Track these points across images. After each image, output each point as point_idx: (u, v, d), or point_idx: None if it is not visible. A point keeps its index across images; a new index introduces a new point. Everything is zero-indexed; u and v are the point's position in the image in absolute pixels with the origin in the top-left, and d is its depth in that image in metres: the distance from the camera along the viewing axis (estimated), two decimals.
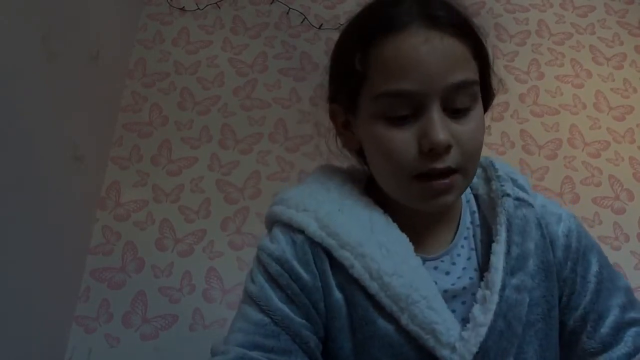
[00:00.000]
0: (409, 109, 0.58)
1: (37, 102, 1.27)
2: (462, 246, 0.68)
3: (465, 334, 0.61)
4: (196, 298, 1.51)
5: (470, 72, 0.61)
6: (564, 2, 2.15)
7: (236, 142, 1.76)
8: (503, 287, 0.62)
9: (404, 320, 0.60)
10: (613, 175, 1.78)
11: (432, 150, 0.58)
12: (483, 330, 0.60)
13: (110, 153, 1.71)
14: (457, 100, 0.59)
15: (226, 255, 1.58)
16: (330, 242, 0.63)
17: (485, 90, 0.68)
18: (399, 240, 0.64)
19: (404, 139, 0.59)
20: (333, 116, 0.69)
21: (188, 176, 1.69)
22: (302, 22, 2.00)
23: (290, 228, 0.66)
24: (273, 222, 0.70)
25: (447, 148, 0.58)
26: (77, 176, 1.50)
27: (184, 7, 2.00)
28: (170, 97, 1.83)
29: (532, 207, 0.70)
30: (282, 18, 2.01)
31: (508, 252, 0.64)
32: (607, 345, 0.66)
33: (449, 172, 0.59)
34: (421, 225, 0.68)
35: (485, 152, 1.89)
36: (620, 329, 0.66)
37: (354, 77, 0.61)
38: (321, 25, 2.00)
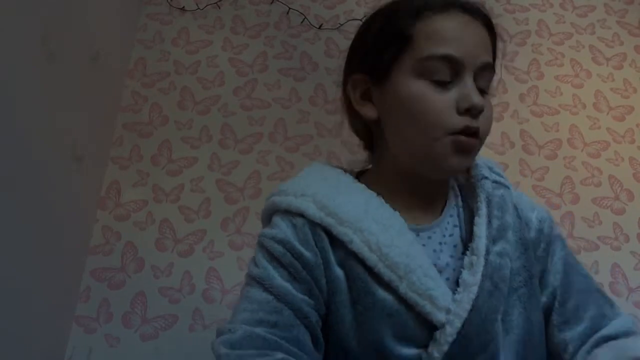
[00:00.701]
0: (449, 74, 0.67)
1: (37, 102, 1.27)
2: (448, 223, 0.74)
3: (457, 296, 0.66)
4: (196, 298, 1.51)
5: (491, 59, 0.73)
6: (563, 2, 2.15)
7: (236, 142, 1.76)
8: (487, 252, 0.68)
9: (402, 288, 0.65)
10: (613, 175, 1.78)
11: (468, 111, 0.67)
12: (474, 290, 0.65)
13: (110, 153, 1.71)
14: (481, 80, 0.71)
15: (226, 256, 1.58)
16: (329, 221, 0.68)
17: None
18: (394, 216, 0.70)
19: (443, 100, 0.67)
20: (353, 88, 0.76)
21: (188, 176, 1.69)
22: (302, 22, 2.00)
23: (290, 213, 0.71)
24: (271, 213, 0.75)
25: (479, 112, 0.68)
26: (77, 176, 1.50)
27: (183, 6, 2.00)
28: (170, 96, 1.83)
29: (509, 188, 0.78)
30: (282, 18, 2.01)
31: (489, 223, 0.71)
32: (569, 321, 0.73)
33: (477, 133, 0.69)
34: (413, 205, 0.74)
35: (485, 152, 1.89)
36: (579, 308, 0.73)
37: (396, 44, 0.69)
38: (321, 25, 2.00)
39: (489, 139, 1.79)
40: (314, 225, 0.69)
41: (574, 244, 1.66)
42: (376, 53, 0.72)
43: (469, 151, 0.69)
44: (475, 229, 0.71)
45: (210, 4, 2.00)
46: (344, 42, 1.98)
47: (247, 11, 2.02)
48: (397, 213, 0.71)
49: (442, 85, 0.67)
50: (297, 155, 1.75)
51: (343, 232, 0.67)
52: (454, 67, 0.68)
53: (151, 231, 1.60)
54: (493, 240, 0.70)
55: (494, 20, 0.76)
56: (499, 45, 0.77)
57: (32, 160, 1.26)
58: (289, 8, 2.01)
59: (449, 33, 0.68)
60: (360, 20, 1.97)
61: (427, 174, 0.72)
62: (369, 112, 0.74)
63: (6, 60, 1.12)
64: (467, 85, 0.68)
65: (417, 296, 0.65)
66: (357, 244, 0.66)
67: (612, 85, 1.96)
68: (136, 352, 1.43)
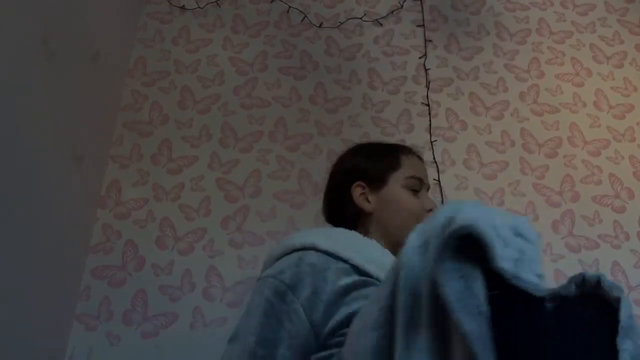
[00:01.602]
0: (419, 187, 1.13)
1: (37, 101, 1.27)
2: None
3: None
4: (196, 296, 1.51)
5: None
6: (564, 1, 2.15)
7: (236, 141, 1.76)
8: None
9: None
10: (613, 173, 1.78)
11: (429, 211, 1.08)
12: None
13: (110, 152, 1.71)
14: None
15: (226, 254, 1.58)
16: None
17: None
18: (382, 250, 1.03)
19: (417, 202, 1.11)
20: (355, 190, 1.13)
21: (188, 175, 1.70)
22: (302, 20, 2.00)
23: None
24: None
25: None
26: (77, 175, 1.50)
27: (184, 5, 2.00)
28: (170, 95, 1.83)
29: None
30: (282, 17, 2.01)
31: None
32: None
33: None
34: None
35: (485, 151, 1.89)
36: None
37: (390, 167, 1.13)
38: (321, 23, 2.00)
39: (489, 138, 1.80)
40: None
41: (574, 242, 1.66)
42: (377, 171, 1.13)
43: None
44: None
45: (211, 3, 2.00)
46: (344, 41, 1.98)
47: (247, 10, 2.02)
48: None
49: (415, 193, 1.11)
50: (297, 154, 1.75)
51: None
52: (420, 184, 1.12)
53: (151, 229, 1.60)
54: None
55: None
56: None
57: (32, 160, 1.26)
58: (289, 7, 2.01)
59: (418, 166, 1.16)
60: (361, 19, 1.98)
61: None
62: (368, 207, 1.11)
63: (6, 60, 1.13)
64: (425, 195, 1.14)
65: None
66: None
67: (613, 83, 1.96)
68: (137, 350, 1.44)
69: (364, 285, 0.86)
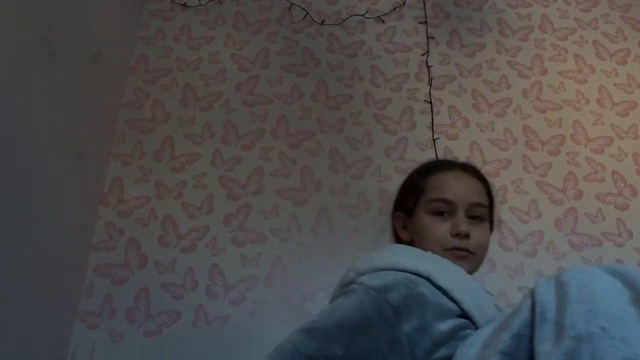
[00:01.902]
0: (446, 209, 0.98)
1: (39, 99, 1.27)
2: None
3: None
4: (199, 294, 1.51)
5: (482, 199, 1.01)
6: None
7: (238, 138, 1.76)
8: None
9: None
10: (616, 171, 1.78)
11: (457, 235, 0.95)
12: None
13: (112, 149, 1.71)
14: (474, 212, 0.98)
15: (229, 252, 1.58)
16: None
17: (490, 217, 1.04)
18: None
19: (441, 227, 0.98)
20: (396, 221, 1.07)
21: (191, 172, 1.70)
22: (304, 17, 1.99)
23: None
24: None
25: (465, 235, 0.95)
26: (79, 173, 1.50)
27: (185, 3, 1.99)
28: (172, 93, 1.83)
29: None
30: (284, 14, 2.01)
31: None
32: None
33: (466, 249, 0.95)
34: None
35: (488, 148, 1.89)
36: None
37: (415, 193, 1.03)
38: (323, 20, 1.99)
39: (492, 135, 1.80)
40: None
41: (577, 240, 1.66)
42: (406, 199, 1.06)
43: (463, 258, 0.94)
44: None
45: (212, 0, 2.00)
46: (346, 38, 1.98)
47: (248, 7, 2.02)
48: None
49: (442, 215, 0.98)
50: (300, 151, 1.75)
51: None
52: (450, 205, 0.98)
53: (154, 227, 1.60)
54: None
55: (484, 172, 1.08)
56: (493, 191, 1.07)
57: (34, 158, 1.26)
58: (291, 4, 2.01)
59: (446, 183, 1.01)
60: (363, 15, 1.97)
61: None
62: (406, 236, 1.05)
63: (8, 59, 1.12)
64: (460, 217, 0.97)
65: None
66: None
67: (616, 80, 1.96)
68: (139, 348, 1.44)
69: (464, 328, 0.80)
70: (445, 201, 0.98)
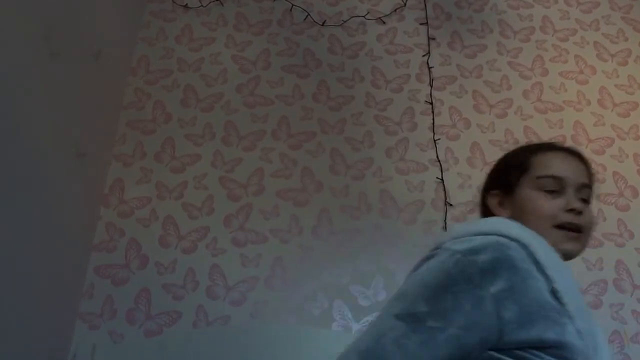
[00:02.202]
0: (557, 187, 0.98)
1: (40, 100, 1.27)
2: None
3: None
4: (200, 295, 1.51)
5: (588, 181, 1.02)
6: None
7: (239, 139, 1.76)
8: None
9: None
10: (617, 172, 1.78)
11: (572, 210, 0.94)
12: None
13: (113, 150, 1.72)
14: (582, 193, 0.99)
15: (229, 252, 1.58)
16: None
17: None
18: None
19: (553, 203, 0.96)
20: (492, 199, 1.05)
21: (191, 173, 1.70)
22: (305, 18, 2.00)
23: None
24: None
25: (579, 213, 0.95)
26: (81, 174, 1.50)
27: (187, 4, 2.00)
28: (173, 94, 1.83)
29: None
30: (285, 15, 2.01)
31: None
32: None
33: (579, 228, 0.94)
34: None
35: (488, 148, 1.88)
36: None
37: (518, 170, 1.02)
38: (324, 22, 1.99)
39: (493, 136, 1.80)
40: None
41: None
42: (507, 176, 1.04)
43: (573, 239, 0.93)
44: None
45: (213, 1, 2.00)
46: (347, 39, 1.98)
47: (250, 8, 2.02)
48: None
49: (552, 193, 0.97)
50: (301, 152, 1.75)
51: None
52: (560, 183, 0.98)
53: (155, 228, 1.60)
54: None
55: (586, 156, 1.08)
56: (595, 178, 1.07)
57: (35, 159, 1.26)
58: (292, 5, 2.01)
59: (554, 162, 1.01)
60: (364, 17, 1.98)
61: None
62: (505, 214, 1.02)
63: (8, 59, 1.13)
64: (571, 195, 0.97)
65: None
66: None
67: (617, 81, 1.96)
68: (140, 348, 1.44)
69: (556, 311, 0.78)
70: (555, 178, 0.98)
